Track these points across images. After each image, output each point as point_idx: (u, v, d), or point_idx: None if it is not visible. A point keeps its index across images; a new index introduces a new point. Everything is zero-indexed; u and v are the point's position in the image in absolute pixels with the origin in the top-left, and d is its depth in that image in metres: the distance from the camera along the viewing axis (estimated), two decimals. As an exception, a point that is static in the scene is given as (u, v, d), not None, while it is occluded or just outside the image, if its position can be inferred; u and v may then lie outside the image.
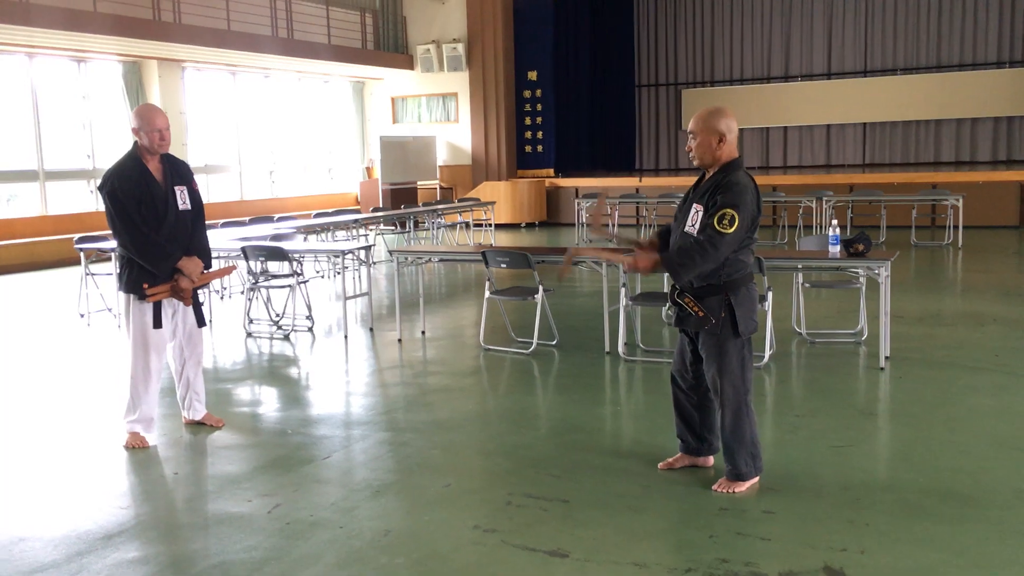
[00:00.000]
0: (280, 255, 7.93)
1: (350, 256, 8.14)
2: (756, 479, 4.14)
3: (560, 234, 17.03)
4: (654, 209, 15.06)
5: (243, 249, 8.03)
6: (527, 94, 19.63)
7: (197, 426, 5.34)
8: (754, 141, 22.13)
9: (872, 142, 21.08)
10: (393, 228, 14.55)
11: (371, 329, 8.17)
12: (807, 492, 4.08)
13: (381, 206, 17.83)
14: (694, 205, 4.07)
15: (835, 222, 6.69)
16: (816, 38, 21.31)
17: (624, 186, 17.54)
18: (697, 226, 4.01)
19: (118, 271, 5.12)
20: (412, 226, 14.50)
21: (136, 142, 5.00)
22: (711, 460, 4.42)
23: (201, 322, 5.25)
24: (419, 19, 20.02)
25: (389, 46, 19.92)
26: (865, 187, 15.12)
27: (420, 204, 16.06)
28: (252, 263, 8.16)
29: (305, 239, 10.48)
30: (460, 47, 19.47)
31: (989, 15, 19.71)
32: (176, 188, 5.05)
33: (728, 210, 3.88)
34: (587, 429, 5.15)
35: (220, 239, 9.17)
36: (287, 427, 5.36)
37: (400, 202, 17.77)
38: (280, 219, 11.50)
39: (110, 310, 9.05)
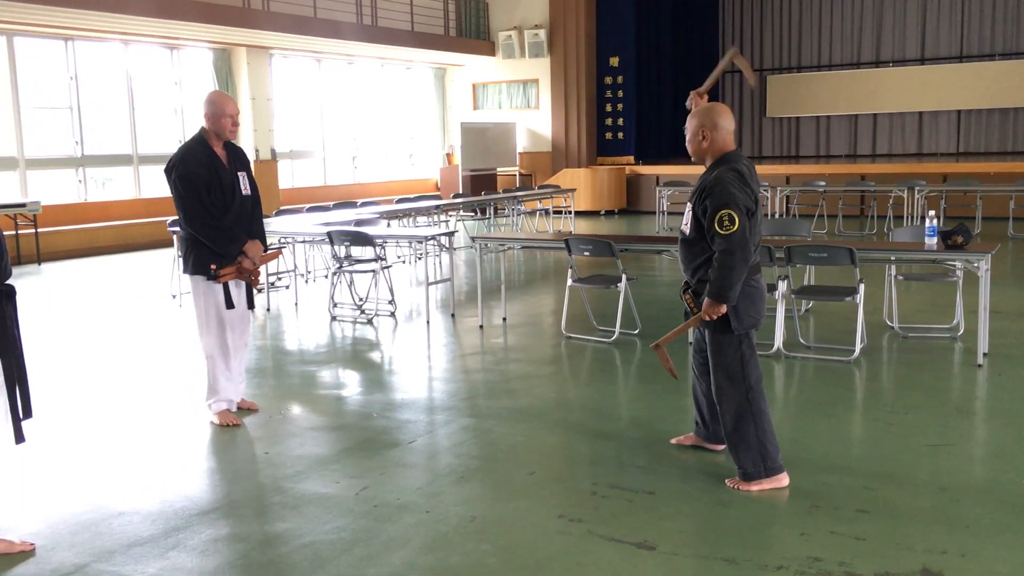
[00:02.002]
0: (364, 240, 8.02)
1: (432, 242, 8.17)
2: (775, 479, 4.00)
3: (640, 222, 16.87)
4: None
5: (328, 234, 8.14)
6: (608, 80, 19.47)
7: (240, 412, 5.35)
8: (841, 129, 21.58)
9: (967, 130, 20.37)
10: (473, 214, 14.58)
11: (452, 315, 8.21)
12: (903, 491, 3.96)
13: (461, 192, 17.91)
14: (687, 205, 4.09)
15: (932, 213, 6.46)
16: (909, 22, 20.65)
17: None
18: (689, 226, 4.06)
19: (183, 253, 5.18)
20: (492, 213, 14.52)
21: (204, 127, 5.09)
22: (721, 447, 4.42)
23: (251, 304, 5.32)
24: (501, 5, 19.99)
25: (471, 32, 19.96)
26: (959, 177, 14.63)
27: (500, 190, 16.10)
28: (337, 247, 8.27)
29: (388, 225, 10.57)
30: (542, 33, 19.39)
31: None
32: (239, 174, 5.16)
33: (721, 211, 3.83)
34: (670, 420, 5.09)
35: (304, 224, 9.31)
36: (371, 410, 5.41)
37: (479, 188, 17.81)
38: (364, 204, 11.62)
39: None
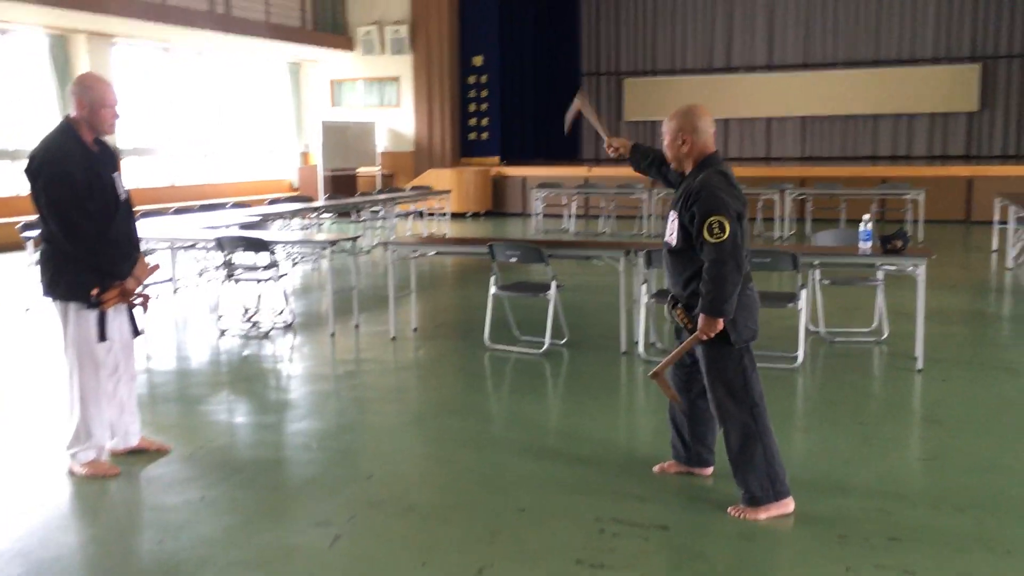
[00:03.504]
0: (260, 246, 7.30)
1: (334, 247, 7.51)
2: (782, 504, 3.73)
3: (509, 224, 16.60)
4: (612, 200, 14.74)
5: (218, 239, 7.36)
6: (472, 80, 19.11)
7: (134, 456, 4.48)
8: (695, 132, 22.05)
9: (811, 136, 21.24)
10: (348, 217, 13.83)
11: (357, 326, 7.60)
12: (923, 513, 3.75)
13: (321, 192, 17.11)
14: (671, 213, 3.82)
15: (867, 217, 6.43)
16: (758, 30, 21.34)
17: (573, 176, 17.20)
18: (675, 236, 3.77)
19: (49, 275, 4.21)
20: (361, 216, 13.81)
21: (72, 117, 4.19)
22: (708, 471, 4.14)
23: (137, 331, 4.48)
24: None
25: (328, 26, 19.13)
26: (822, 181, 15.06)
27: (359, 191, 15.41)
28: (224, 255, 7.50)
29: (280, 229, 9.81)
30: (403, 29, 18.81)
31: (927, 11, 20.01)
32: (114, 175, 4.27)
33: (711, 218, 3.57)
34: (646, 441, 4.76)
35: (176, 228, 8.45)
36: (308, 440, 4.81)
37: (340, 189, 17.07)
38: (235, 205, 10.76)
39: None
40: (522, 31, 20.01)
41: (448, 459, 4.50)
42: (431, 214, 14.77)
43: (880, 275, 6.92)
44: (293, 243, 8.07)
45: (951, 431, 4.82)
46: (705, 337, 3.70)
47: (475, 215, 17.76)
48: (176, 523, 3.77)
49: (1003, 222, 11.77)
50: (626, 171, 17.68)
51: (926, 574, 3.23)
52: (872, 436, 4.78)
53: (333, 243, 7.35)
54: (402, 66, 19.11)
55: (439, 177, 17.63)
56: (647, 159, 4.27)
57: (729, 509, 3.78)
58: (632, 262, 6.55)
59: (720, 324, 3.65)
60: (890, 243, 6.04)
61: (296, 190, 19.20)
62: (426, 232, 14.17)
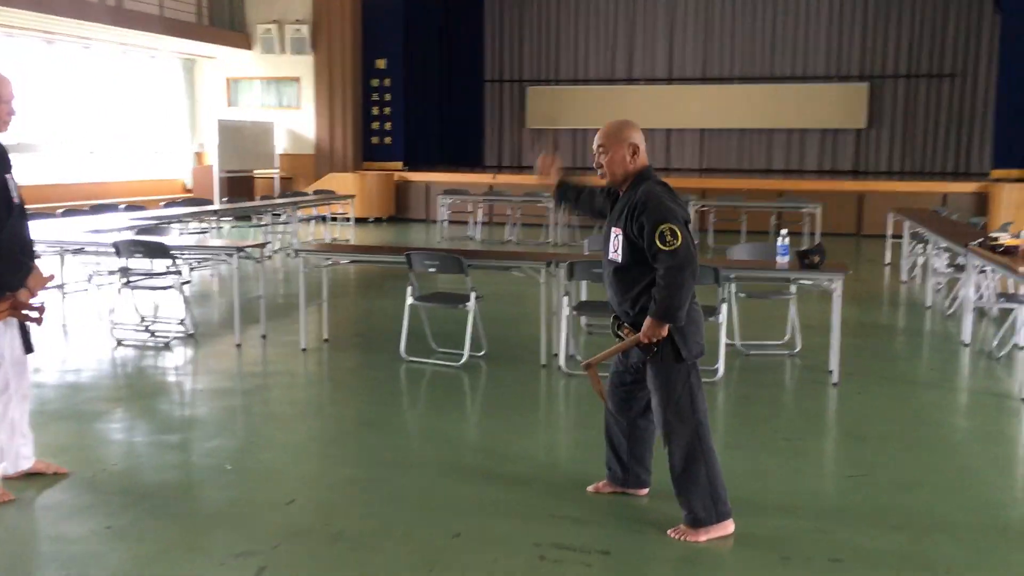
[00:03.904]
0: (162, 252, 6.91)
1: (242, 254, 7.17)
2: (723, 525, 3.66)
3: (413, 230, 16.35)
4: (519, 208, 14.66)
5: (116, 245, 6.94)
6: (375, 83, 18.76)
7: (28, 480, 4.13)
8: (597, 142, 22.21)
9: (709, 148, 21.63)
10: (248, 221, 13.35)
11: (264, 336, 7.28)
12: (860, 533, 3.73)
13: (217, 194, 16.52)
14: (613, 229, 3.73)
15: (784, 232, 6.49)
16: (658, 43, 21.62)
17: (478, 183, 17.05)
18: (620, 252, 3.67)
19: None
20: (260, 219, 13.36)
21: None
22: (644, 491, 4.06)
23: (29, 347, 4.14)
24: (259, -4, 18.71)
25: (224, 23, 18.50)
26: (721, 193, 15.33)
27: (257, 194, 14.95)
28: (121, 260, 7.08)
29: (180, 233, 9.34)
30: (304, 29, 18.34)
31: (819, 31, 20.63)
32: (6, 176, 3.89)
33: (662, 226, 3.51)
34: (576, 459, 4.64)
35: (63, 231, 7.94)
36: (221, 461, 4.52)
37: (237, 191, 16.49)
38: (128, 207, 10.22)
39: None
40: (427, 36, 19.78)
41: (372, 481, 4.29)
42: (334, 219, 14.41)
43: (793, 288, 7.01)
44: (198, 249, 7.67)
45: (875, 447, 4.86)
46: (646, 340, 3.60)
47: (378, 220, 17.43)
48: (81, 556, 3.45)
49: (896, 236, 12.18)
50: (532, 179, 17.66)
51: (873, 597, 3.20)
52: (800, 452, 4.78)
53: (240, 249, 7.00)
54: (303, 66, 18.62)
55: (341, 181, 17.24)
56: (575, 195, 4.16)
57: (669, 531, 3.69)
58: (552, 273, 6.44)
59: (664, 331, 3.57)
60: (808, 258, 6.10)
61: (189, 191, 18.51)
62: (329, 237, 13.83)
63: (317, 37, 18.41)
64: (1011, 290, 7.93)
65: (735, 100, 21.15)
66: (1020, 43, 16.15)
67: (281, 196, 13.66)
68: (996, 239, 7.05)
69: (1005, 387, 6.17)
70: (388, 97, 18.75)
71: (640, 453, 4.03)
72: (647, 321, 3.58)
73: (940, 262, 9.46)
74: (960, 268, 8.58)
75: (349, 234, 14.05)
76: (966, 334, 7.28)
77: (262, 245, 7.26)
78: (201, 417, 5.34)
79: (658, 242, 3.50)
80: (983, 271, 7.91)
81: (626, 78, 21.89)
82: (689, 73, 21.57)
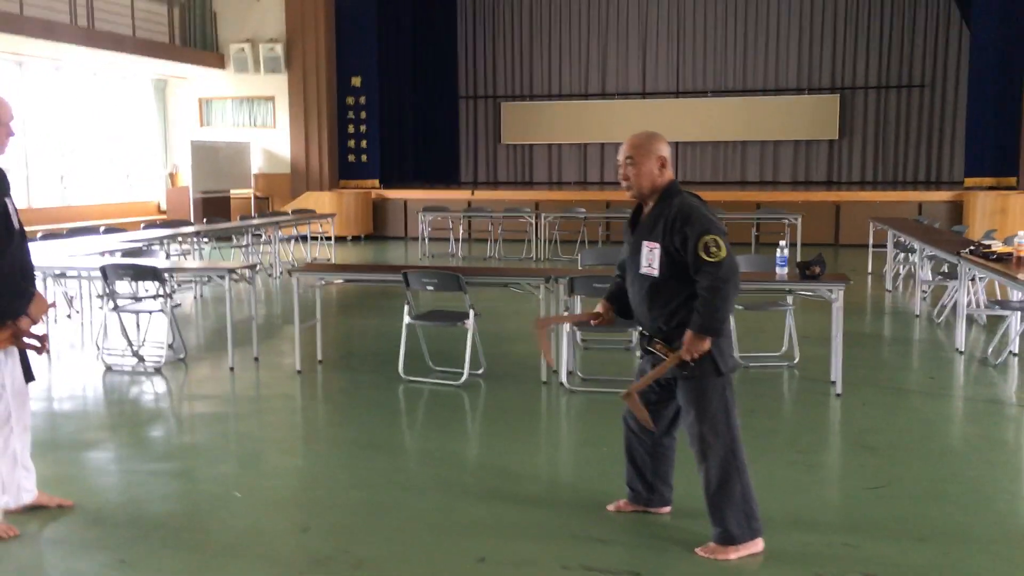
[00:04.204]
0: (151, 274, 6.78)
1: (234, 275, 7.04)
2: (754, 544, 3.61)
3: (391, 248, 16.24)
4: (500, 224, 14.61)
5: (103, 268, 6.79)
6: (350, 101, 18.67)
7: (31, 514, 3.99)
8: (572, 157, 22.26)
9: (685, 160, 21.73)
10: (227, 241, 13.15)
11: (256, 359, 7.15)
12: (887, 546, 3.69)
13: (192, 215, 16.35)
14: (644, 244, 3.64)
15: (783, 243, 6.49)
16: (632, 58, 21.73)
17: (457, 199, 17.01)
18: (657, 266, 3.58)
19: None
20: (240, 240, 13.20)
21: None
22: (666, 509, 3.99)
23: (30, 376, 4.02)
24: (232, 15, 18.57)
25: (197, 43, 18.34)
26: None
27: (235, 215, 14.75)
28: (109, 284, 6.93)
29: (167, 256, 9.19)
30: (278, 48, 18.22)
31: (791, 44, 20.85)
32: (5, 200, 3.80)
33: (706, 237, 3.46)
34: (593, 478, 4.57)
35: (51, 255, 7.78)
36: (231, 489, 4.41)
37: (212, 212, 16.31)
38: (108, 230, 10.04)
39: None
40: (400, 52, 19.72)
41: (386, 505, 4.19)
42: (314, 238, 14.28)
43: (790, 299, 7.01)
44: (188, 271, 7.53)
45: (888, 458, 4.84)
46: (689, 357, 3.53)
47: (356, 239, 17.31)
48: (96, 594, 3.34)
49: (878, 245, 12.27)
50: (511, 194, 17.71)
51: (912, 612, 3.16)
52: (814, 465, 4.75)
53: (232, 271, 6.88)
54: (277, 85, 18.50)
55: (318, 200, 17.12)
56: (622, 302, 3.98)
57: (698, 550, 3.63)
58: (551, 289, 6.39)
59: (706, 345, 3.51)
60: (808, 269, 6.10)
61: (163, 212, 18.28)
62: (310, 257, 13.69)
63: (291, 55, 18.30)
64: (1002, 297, 7.99)
65: (709, 113, 21.29)
66: (988, 54, 16.40)
67: (261, 216, 13.49)
68: (989, 247, 7.10)
69: (1006, 394, 6.19)
70: (363, 115, 18.67)
71: (664, 471, 3.97)
72: (689, 336, 3.51)
73: (925, 271, 9.53)
74: (947, 276, 8.65)
75: (329, 253, 13.93)
76: (960, 342, 7.31)
77: (253, 267, 7.13)
78: (201, 443, 5.21)
79: (703, 254, 3.44)
80: (971, 279, 7.98)
81: (600, 93, 21.98)
82: (663, 87, 21.70)
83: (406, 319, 6.50)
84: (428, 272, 6.42)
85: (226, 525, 3.98)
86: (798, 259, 12.81)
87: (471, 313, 6.33)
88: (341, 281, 7.14)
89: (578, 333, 7.11)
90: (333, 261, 13.33)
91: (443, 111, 21.90)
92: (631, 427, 3.98)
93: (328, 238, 14.16)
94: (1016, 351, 7.02)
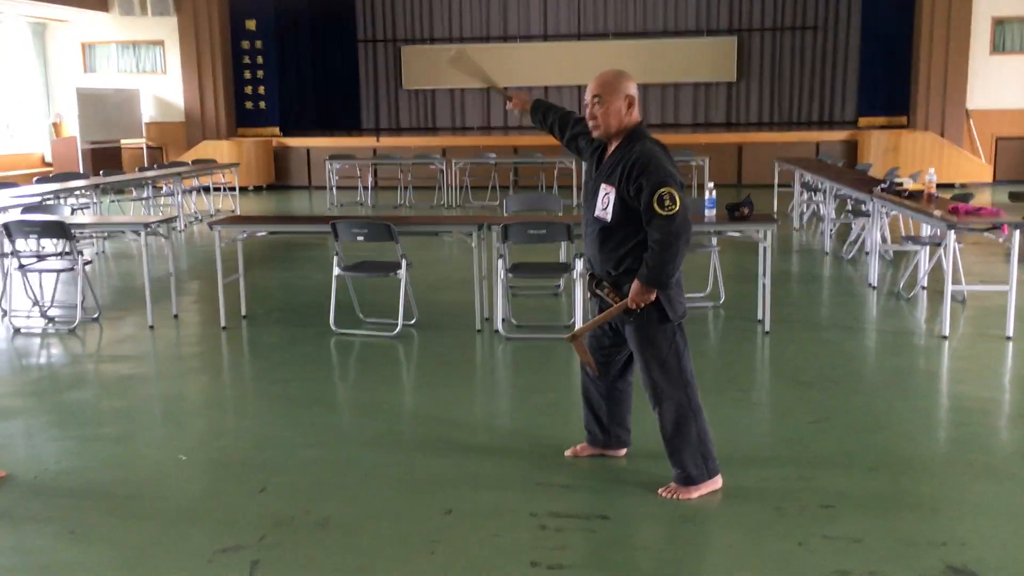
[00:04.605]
0: (60, 231, 6.42)
1: (148, 230, 6.73)
2: (713, 482, 3.69)
3: (295, 197, 15.84)
4: (409, 171, 14.38)
5: (5, 225, 6.41)
6: (245, 45, 17.96)
7: None
8: (475, 102, 22.02)
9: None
10: (124, 194, 12.58)
11: (176, 316, 6.89)
12: (841, 478, 3.82)
13: (81, 167, 15.59)
14: (602, 186, 3.61)
15: (711, 185, 6.55)
16: (532, 1, 21.52)
17: (362, 146, 16.65)
18: (611, 211, 3.56)
19: None
20: (140, 192, 12.67)
21: None
22: (623, 452, 4.05)
23: None
24: (114, -46, 17.56)
25: (77, -16, 17.30)
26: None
27: (126, 166, 14.12)
28: (13, 242, 6.55)
29: (72, 212, 8.70)
30: (166, -11, 17.35)
31: (689, -15, 20.98)
32: None
33: (661, 190, 3.41)
34: (545, 424, 4.58)
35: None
36: (174, 453, 4.25)
37: (103, 164, 15.59)
38: (3, 186, 9.46)
39: None
40: (296, -5, 19.04)
41: (342, 461, 4.11)
42: (216, 189, 13.79)
43: (714, 241, 7.13)
44: (100, 227, 7.15)
45: (824, 392, 4.99)
46: (634, 306, 3.54)
47: (258, 189, 16.80)
48: (55, 567, 3.18)
49: (783, 185, 12.58)
50: (416, 140, 17.45)
51: (872, 539, 3.27)
52: (756, 402, 4.88)
53: (147, 225, 6.58)
54: (166, 29, 17.65)
55: (216, 149, 16.54)
56: (551, 116, 4.08)
57: (659, 491, 3.68)
58: (482, 237, 6.33)
59: (652, 296, 3.52)
60: (737, 211, 6.19)
61: (49, 165, 17.37)
62: (212, 209, 13.24)
63: (180, -3, 17.46)
64: (906, 233, 8.30)
65: (610, 56, 21.23)
66: (880, -3, 16.85)
67: (160, 167, 12.94)
68: (901, 184, 7.34)
69: (921, 326, 6.46)
70: (260, 60, 18.00)
71: (621, 414, 4.00)
72: (635, 286, 3.51)
73: (827, 209, 9.82)
74: (855, 214, 8.93)
75: (233, 204, 13.49)
76: (873, 277, 7.58)
77: (170, 220, 6.84)
78: (133, 407, 5.00)
79: (656, 206, 3.41)
80: (863, 215, 8.29)
81: (501, 36, 21.71)
82: (564, 30, 21.57)
83: (335, 271, 6.35)
84: (358, 222, 6.26)
85: (177, 490, 3.84)
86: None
87: (404, 263, 6.22)
88: (264, 233, 6.89)
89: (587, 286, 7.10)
90: (238, 212, 12.92)
91: (342, 56, 21.31)
92: (586, 371, 3.98)
93: (232, 189, 13.71)
94: (925, 285, 7.32)
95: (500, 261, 6.17)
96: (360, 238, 6.24)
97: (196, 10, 17.42)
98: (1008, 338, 5.86)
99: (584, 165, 3.90)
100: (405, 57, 21.81)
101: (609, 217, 3.57)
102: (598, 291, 3.72)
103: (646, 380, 3.69)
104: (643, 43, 21.22)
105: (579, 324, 6.13)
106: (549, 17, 21.60)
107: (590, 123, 3.65)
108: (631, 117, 3.60)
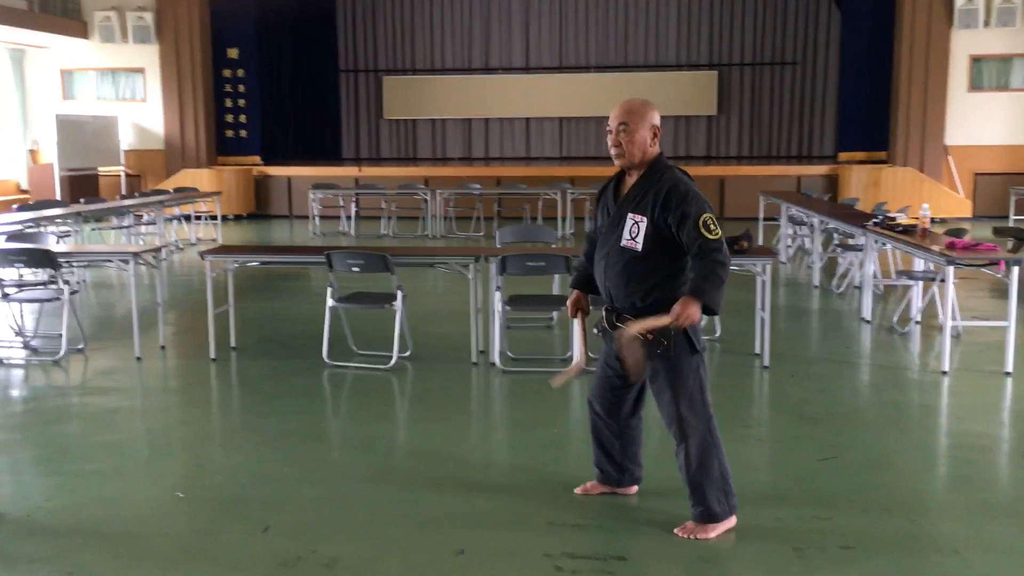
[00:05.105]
0: (47, 260, 6.28)
1: (138, 260, 6.59)
2: (730, 521, 3.61)
3: (275, 227, 15.70)
4: (394, 200, 14.31)
5: (-10, 253, 6.26)
6: (227, 73, 17.88)
7: None
8: (456, 132, 22.03)
9: (568, 136, 21.85)
10: (103, 222, 12.39)
11: (163, 347, 6.75)
12: (856, 518, 3.76)
13: (59, 194, 15.39)
14: (629, 216, 3.54)
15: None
16: (515, 32, 21.62)
17: (344, 176, 16.56)
18: (640, 240, 3.50)
19: None
20: (121, 220, 12.48)
21: None
22: (635, 489, 3.97)
23: None
24: (96, -19, 17.47)
25: (57, 9, 17.18)
26: (575, 180, 15.39)
27: (104, 194, 13.94)
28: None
29: (58, 241, 8.53)
30: (148, 16, 17.25)
31: (670, 21, 21.17)
32: None
33: (704, 216, 3.41)
34: (553, 460, 4.48)
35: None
36: (171, 489, 4.12)
37: (80, 191, 15.41)
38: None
39: None
40: (279, 24, 19.01)
41: (346, 499, 4.00)
42: (198, 217, 13.64)
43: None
44: (88, 256, 7.00)
45: (830, 428, 4.94)
46: (679, 321, 3.39)
47: (238, 217, 16.65)
48: (51, 614, 3.04)
49: (768, 218, 12.62)
50: (398, 170, 17.42)
51: (899, 582, 3.21)
52: (764, 439, 4.81)
53: (137, 255, 6.45)
54: (147, 57, 17.53)
55: (196, 178, 16.38)
56: (590, 284, 3.87)
57: (676, 530, 3.60)
58: (479, 269, 6.26)
59: (698, 315, 3.43)
60: (736, 243, 6.16)
61: (26, 192, 17.15)
62: (194, 238, 13.08)
63: (162, 25, 17.37)
64: (895, 268, 8.32)
65: (592, 88, 21.42)
66: (858, 35, 17.06)
67: (143, 195, 12.78)
68: (894, 219, 7.36)
69: (918, 361, 6.45)
70: (242, 88, 17.92)
71: (634, 451, 3.93)
72: (683, 302, 3.37)
73: (815, 243, 9.84)
74: (845, 248, 8.95)
75: (215, 233, 13.35)
76: (866, 311, 7.57)
77: (158, 249, 6.71)
78: (124, 441, 4.86)
79: (704, 232, 3.38)
80: (853, 249, 8.32)
81: (483, 67, 21.79)
82: (546, 62, 21.69)
83: (329, 302, 6.24)
84: (353, 253, 6.17)
85: (177, 528, 3.71)
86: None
87: (399, 294, 6.13)
88: (257, 263, 6.77)
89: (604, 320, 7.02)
90: (220, 241, 12.79)
91: (324, 85, 21.28)
92: (596, 411, 3.91)
93: (213, 217, 13.57)
94: (919, 320, 7.33)
95: (497, 293, 6.09)
96: (356, 269, 6.14)
97: (178, 38, 17.34)
98: (1007, 374, 5.85)
99: (597, 206, 3.82)
100: (386, 87, 21.83)
101: (640, 247, 3.50)
102: (620, 324, 3.63)
103: (672, 415, 3.60)
104: (624, 76, 21.38)
105: (576, 358, 6.05)
106: (531, 49, 21.72)
107: (613, 151, 3.59)
108: (655, 148, 3.56)
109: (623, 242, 3.55)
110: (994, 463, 4.53)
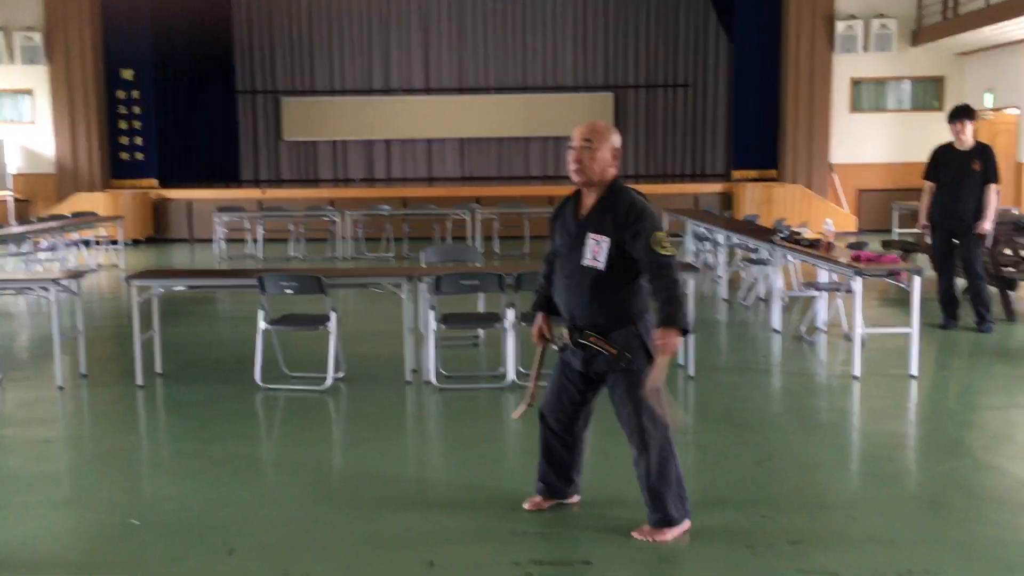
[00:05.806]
0: (-38, 289, 6.07)
1: (58, 287, 6.42)
2: (684, 523, 3.80)
3: (176, 251, 15.36)
4: (302, 223, 14.19)
5: (-100, 283, 6.02)
6: (122, 95, 17.40)
7: None
8: (358, 153, 21.97)
9: (470, 157, 22.04)
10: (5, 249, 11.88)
11: (84, 375, 6.59)
12: (799, 515, 4.00)
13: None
14: (591, 236, 3.68)
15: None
16: (414, 54, 21.73)
17: (246, 198, 16.31)
18: (603, 259, 3.65)
19: None
20: (19, 247, 12.04)
21: None
22: (577, 498, 4.12)
23: None
24: (-21, -1, 16.81)
25: (-63, 29, 16.48)
26: (505, 200, 15.56)
27: None
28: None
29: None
30: (37, 37, 16.68)
31: (567, 43, 21.65)
32: None
33: (658, 233, 3.61)
34: (503, 476, 4.60)
35: None
36: (125, 517, 4.06)
37: (-34, 217, 14.79)
38: None
39: None
40: (175, 45, 18.62)
41: (307, 520, 4.02)
42: (97, 243, 13.24)
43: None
44: (8, 283, 6.76)
45: (759, 433, 5.21)
46: (668, 354, 3.57)
47: (136, 242, 16.19)
48: (27, 647, 2.99)
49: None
50: (302, 192, 17.28)
51: (847, 572, 3.44)
52: (701, 445, 5.03)
53: (57, 281, 6.29)
54: (36, 77, 16.94)
55: (91, 201, 15.86)
56: (551, 305, 3.98)
57: (634, 533, 3.76)
58: (412, 289, 6.35)
59: (679, 341, 3.60)
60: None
61: (-95, 219, 16.29)
62: (94, 264, 12.70)
63: (52, 46, 16.82)
64: (798, 280, 8.76)
65: (492, 110, 21.69)
66: (747, 59, 17.73)
67: (41, 220, 12.35)
68: (799, 234, 7.76)
69: (831, 367, 6.83)
70: (137, 110, 17.44)
71: (581, 463, 4.06)
72: (662, 333, 3.53)
73: (720, 258, 10.27)
74: (752, 262, 9.37)
75: (116, 259, 12.99)
76: (776, 322, 7.94)
77: (80, 274, 6.55)
78: (64, 471, 4.75)
79: (658, 248, 3.55)
80: (759, 263, 8.77)
81: (384, 89, 21.82)
82: (446, 83, 21.86)
83: (262, 324, 6.22)
84: (287, 275, 6.17)
85: (139, 555, 3.68)
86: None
87: (333, 316, 6.15)
88: (182, 288, 6.68)
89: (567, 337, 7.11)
90: (123, 267, 12.47)
91: (221, 106, 20.93)
92: (550, 425, 3.99)
93: (113, 242, 13.20)
94: (825, 328, 7.74)
95: (432, 312, 6.19)
96: (289, 291, 6.15)
97: (69, 58, 16.83)
98: (912, 376, 6.25)
99: (554, 226, 3.93)
100: (285, 108, 21.63)
101: (602, 265, 3.64)
102: (583, 341, 3.76)
103: (634, 427, 3.74)
104: (523, 97, 21.74)
105: (510, 374, 6.20)
106: (431, 70, 21.86)
107: (572, 166, 3.70)
108: (613, 170, 3.73)
109: (585, 261, 3.69)
110: (911, 459, 4.86)
